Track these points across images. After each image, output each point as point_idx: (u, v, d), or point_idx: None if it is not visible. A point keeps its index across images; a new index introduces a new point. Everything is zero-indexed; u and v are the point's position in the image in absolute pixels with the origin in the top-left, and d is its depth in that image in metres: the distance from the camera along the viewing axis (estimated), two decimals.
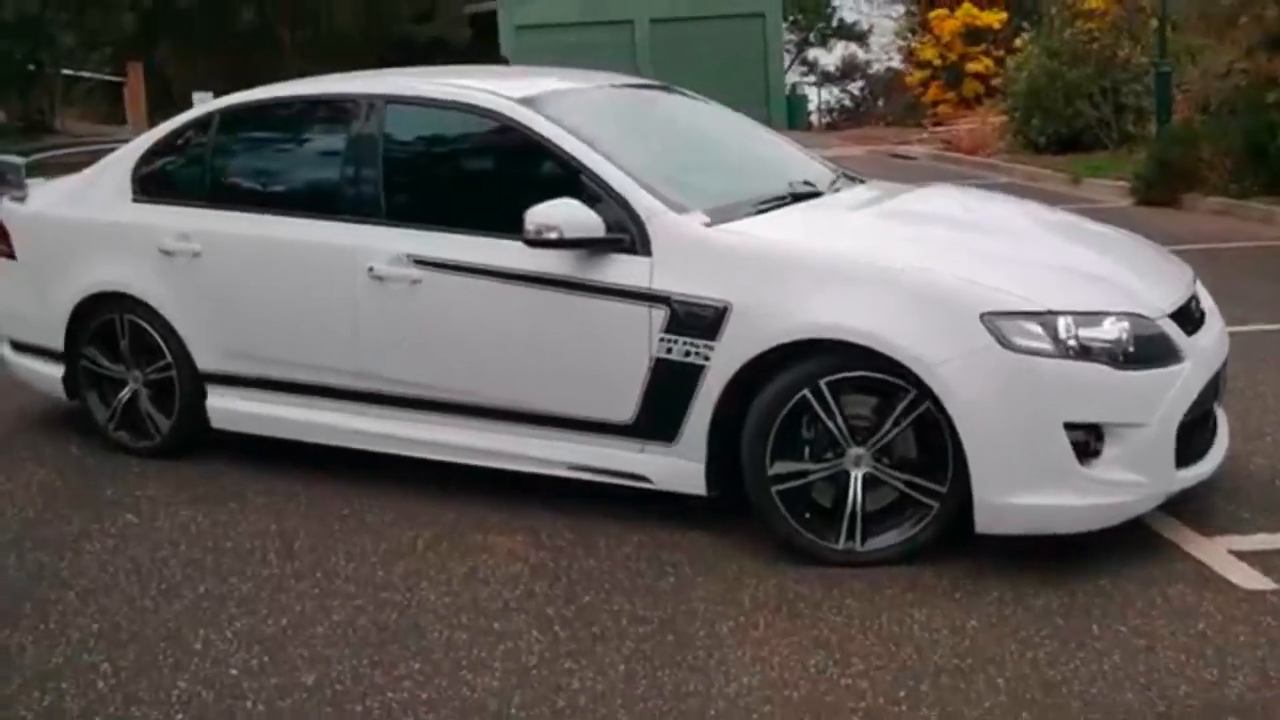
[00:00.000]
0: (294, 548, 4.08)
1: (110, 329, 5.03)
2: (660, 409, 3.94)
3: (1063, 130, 17.48)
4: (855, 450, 3.71)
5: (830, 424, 3.69)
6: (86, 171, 5.38)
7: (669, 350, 3.87)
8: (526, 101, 4.33)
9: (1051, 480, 3.51)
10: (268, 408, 4.74)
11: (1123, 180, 13.71)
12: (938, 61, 28.45)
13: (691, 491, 3.99)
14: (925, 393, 3.56)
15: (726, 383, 3.79)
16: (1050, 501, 3.52)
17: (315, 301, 4.52)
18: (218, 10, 26.39)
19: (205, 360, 4.83)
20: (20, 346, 5.43)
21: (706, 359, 3.81)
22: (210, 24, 26.93)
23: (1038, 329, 3.50)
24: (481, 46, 31.84)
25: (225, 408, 4.85)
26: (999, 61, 27.33)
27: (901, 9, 42.67)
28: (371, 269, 4.33)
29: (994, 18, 27.70)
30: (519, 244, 4.06)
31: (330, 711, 3.06)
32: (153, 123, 21.99)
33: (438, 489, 4.47)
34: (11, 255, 5.34)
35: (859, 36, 46.82)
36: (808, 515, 3.77)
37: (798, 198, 4.39)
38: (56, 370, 5.23)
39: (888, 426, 3.67)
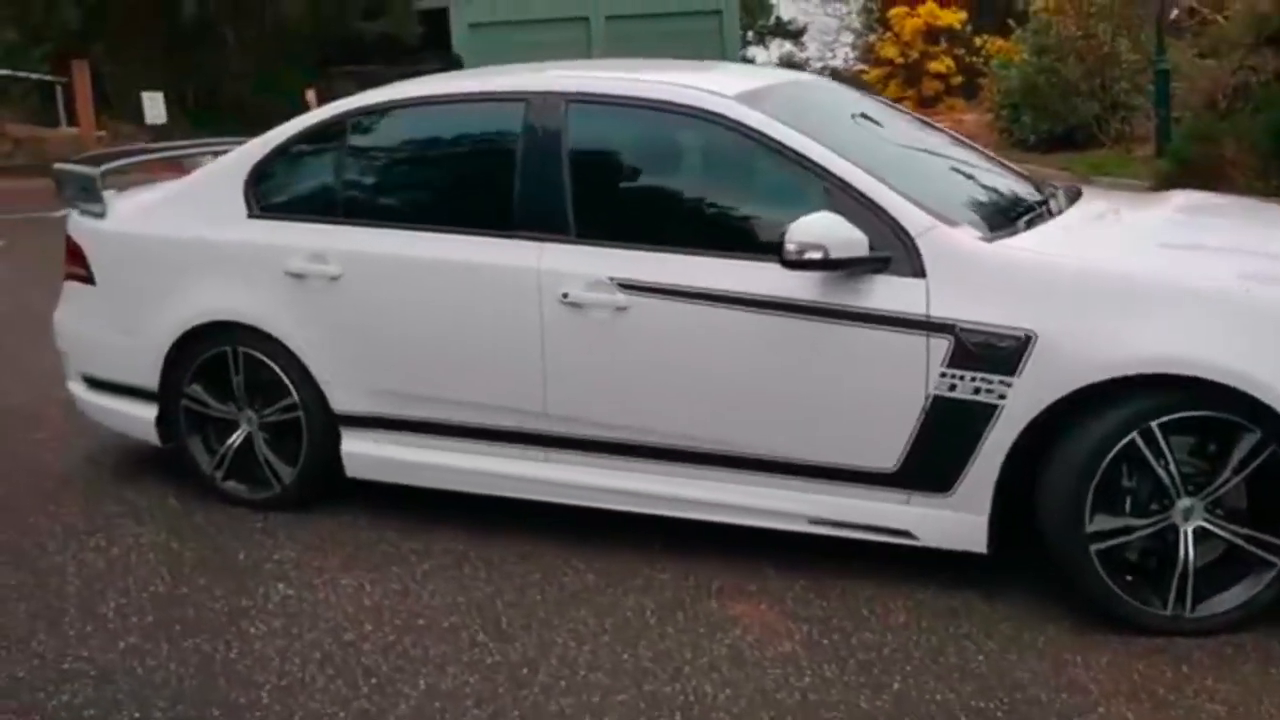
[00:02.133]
0: (502, 625, 3.47)
1: (220, 364, 4.35)
2: (935, 454, 3.41)
3: (1056, 128, 17.30)
4: (1185, 501, 3.21)
5: (1161, 471, 3.18)
6: (177, 183, 4.69)
7: (952, 387, 3.33)
8: (747, 100, 3.76)
9: None
10: (423, 454, 4.11)
11: (1133, 179, 13.48)
12: (899, 59, 28.31)
13: (967, 548, 3.46)
14: (1275, 434, 3.08)
15: (1026, 425, 3.27)
16: None
17: (489, 331, 3.90)
18: (159, 5, 25.21)
19: (342, 400, 4.18)
20: (98, 384, 4.71)
21: (1001, 397, 3.28)
22: (151, 20, 25.74)
23: None
24: (433, 44, 31.00)
25: (366, 454, 4.20)
26: (959, 61, 27.34)
27: (844, 8, 42.72)
28: (565, 295, 3.73)
29: (954, 18, 27.61)
30: (751, 264, 3.55)
31: None
32: (99, 124, 20.81)
33: (613, 543, 3.90)
34: (89, 279, 4.62)
35: (795, 35, 46.76)
36: (1129, 577, 3.26)
37: (1048, 209, 3.88)
38: (147, 411, 4.53)
39: (1227, 473, 3.17)
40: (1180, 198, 4.56)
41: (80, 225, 4.69)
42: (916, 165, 3.98)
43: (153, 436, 4.57)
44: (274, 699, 3.11)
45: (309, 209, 4.25)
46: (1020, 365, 3.25)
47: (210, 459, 4.46)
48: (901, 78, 28.61)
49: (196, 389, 4.42)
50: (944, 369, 3.33)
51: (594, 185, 3.88)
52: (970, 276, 3.36)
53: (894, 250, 3.40)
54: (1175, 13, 16.25)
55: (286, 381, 4.25)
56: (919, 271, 3.38)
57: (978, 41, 27.71)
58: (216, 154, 4.76)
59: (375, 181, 4.29)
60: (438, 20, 30.12)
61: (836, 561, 3.70)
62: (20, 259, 10.82)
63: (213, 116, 27.70)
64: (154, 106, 21.68)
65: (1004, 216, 3.70)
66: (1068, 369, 3.20)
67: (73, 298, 4.74)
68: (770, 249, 3.51)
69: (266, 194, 4.32)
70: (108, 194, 4.65)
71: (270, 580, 3.81)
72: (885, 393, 3.42)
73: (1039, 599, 3.45)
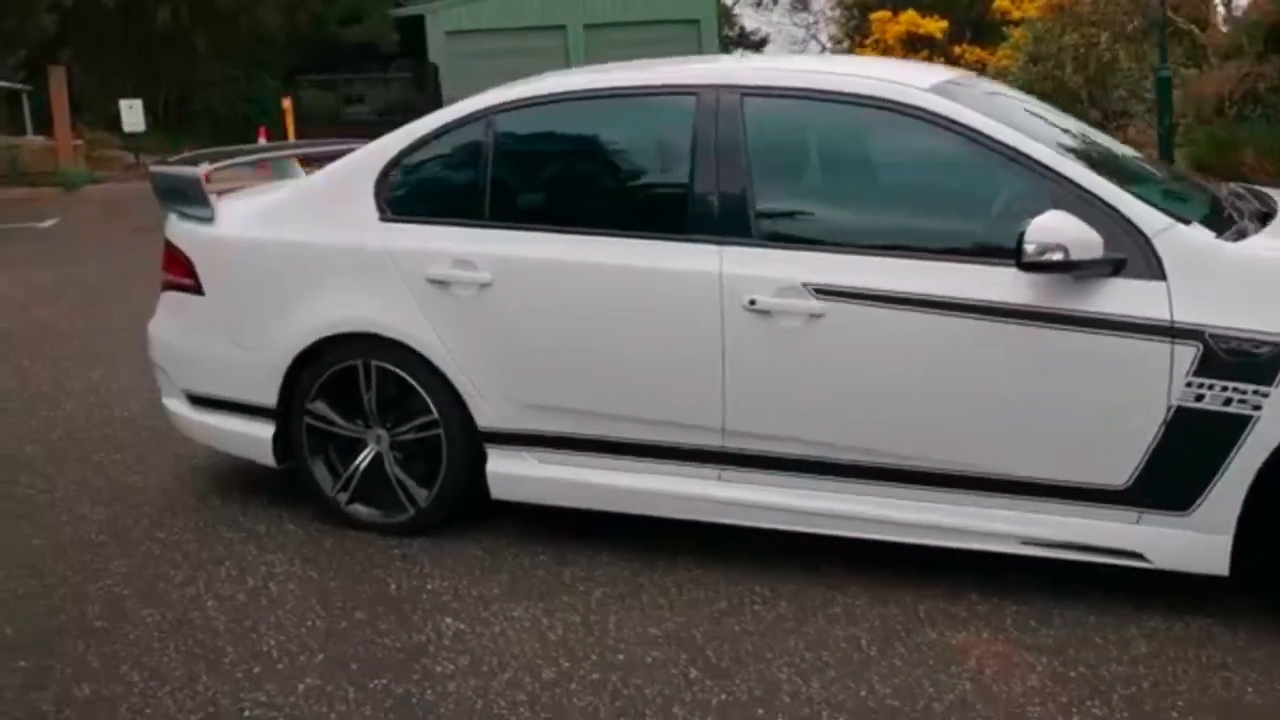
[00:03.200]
0: (711, 659, 3.20)
1: (348, 379, 4.05)
2: (1174, 470, 3.18)
3: None
4: None
5: None
6: (295, 184, 4.39)
7: (1199, 398, 3.11)
8: (941, 92, 3.53)
9: None
10: (585, 473, 3.83)
11: None
12: None
13: (1206, 571, 3.25)
14: None
15: None
16: None
17: (662, 341, 3.63)
18: (133, 11, 24.66)
19: (489, 416, 3.90)
20: (203, 401, 4.38)
21: (1257, 408, 3.06)
22: (123, 27, 25.18)
23: None
24: (408, 52, 30.63)
25: (516, 474, 3.92)
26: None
27: (810, 18, 42.83)
28: (753, 301, 3.47)
29: (936, 26, 27.64)
30: (960, 267, 3.31)
31: None
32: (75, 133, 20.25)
33: (789, 568, 3.68)
34: (196, 289, 4.30)
35: (757, 45, 46.81)
36: None
37: (1255, 212, 3.66)
38: (263, 429, 4.21)
39: None
40: None
41: (183, 231, 4.37)
42: (1113, 165, 3.75)
43: (267, 457, 4.25)
44: None
45: (451, 213, 3.95)
46: (1278, 374, 3.03)
47: (334, 481, 4.16)
48: None
49: (320, 405, 4.11)
50: (1191, 378, 3.11)
51: (774, 183, 3.62)
52: (1215, 279, 3.14)
53: (1128, 252, 3.18)
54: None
55: (426, 397, 3.95)
56: (1158, 274, 3.16)
57: (956, 50, 27.86)
58: (310, 157, 4.48)
59: (524, 182, 4.01)
60: (414, 27, 29.75)
61: (1043, 586, 3.48)
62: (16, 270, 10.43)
63: (187, 124, 27.21)
64: (132, 114, 21.15)
65: (1220, 217, 3.49)
66: None
67: (174, 309, 4.42)
68: (985, 251, 3.30)
69: (401, 196, 4.02)
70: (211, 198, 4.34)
71: (434, 613, 3.52)
72: (1123, 403, 3.19)
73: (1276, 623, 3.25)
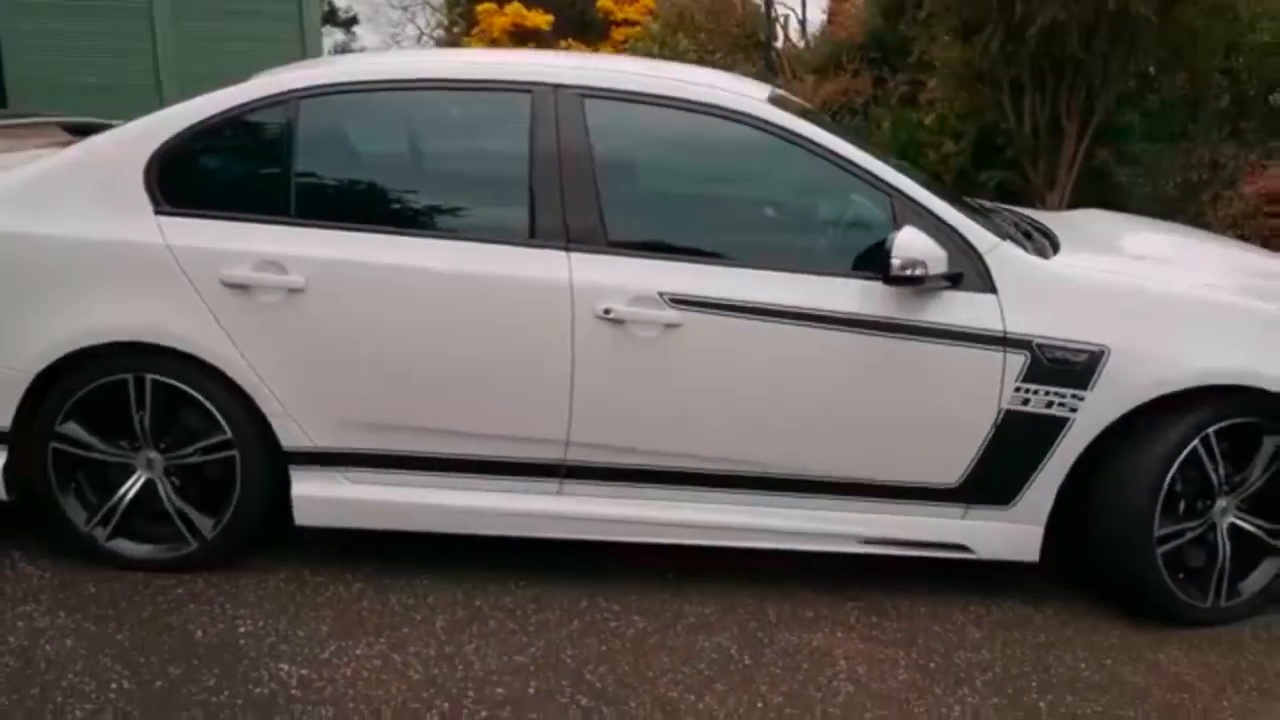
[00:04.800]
0: (592, 682, 3.08)
1: (113, 396, 3.50)
2: (1000, 469, 3.46)
3: None
4: (1222, 501, 3.50)
5: (1213, 475, 3.45)
6: (30, 168, 3.68)
7: (1025, 401, 3.40)
8: (777, 103, 3.60)
9: None
10: (409, 493, 3.55)
11: None
12: None
13: (1022, 558, 3.56)
14: None
15: (1095, 436, 3.41)
16: None
17: (503, 350, 3.43)
18: None
19: (295, 435, 3.51)
20: None
21: (1074, 410, 3.39)
22: None
23: None
24: None
25: (327, 496, 3.56)
26: None
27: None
28: (607, 310, 3.38)
29: (542, 20, 28.11)
30: (814, 279, 3.43)
31: None
32: None
33: (627, 581, 3.65)
34: None
35: (346, 24, 45.60)
36: (1181, 575, 3.50)
37: (1044, 231, 4.01)
38: None
39: (1258, 473, 3.49)
40: (1100, 215, 4.97)
41: None
42: (929, 184, 3.98)
43: None
44: None
45: (245, 208, 3.49)
46: (1092, 379, 3.37)
47: (87, 514, 3.58)
48: None
49: (72, 427, 3.52)
50: (1020, 383, 3.39)
51: (620, 190, 3.52)
52: (1039, 293, 3.43)
53: (964, 267, 3.40)
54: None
55: (218, 415, 3.49)
56: (990, 288, 3.41)
57: (563, 45, 28.56)
58: (65, 127, 3.84)
59: (344, 178, 3.61)
60: None
61: (869, 581, 3.67)
62: None
63: None
64: None
65: (1017, 236, 3.81)
66: (1135, 383, 3.36)
67: None
68: (836, 264, 3.43)
69: (180, 187, 3.50)
70: None
71: (265, 660, 3.12)
72: (958, 407, 3.42)
73: (1074, 604, 3.62)
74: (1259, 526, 3.54)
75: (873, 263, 3.37)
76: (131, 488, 3.57)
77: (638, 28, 27.25)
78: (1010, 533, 3.52)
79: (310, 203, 3.50)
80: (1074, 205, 8.06)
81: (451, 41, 32.61)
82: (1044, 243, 3.76)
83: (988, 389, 3.40)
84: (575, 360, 3.41)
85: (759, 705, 3.01)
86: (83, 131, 4.52)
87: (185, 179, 3.53)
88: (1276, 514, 3.55)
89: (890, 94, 13.74)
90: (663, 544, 3.59)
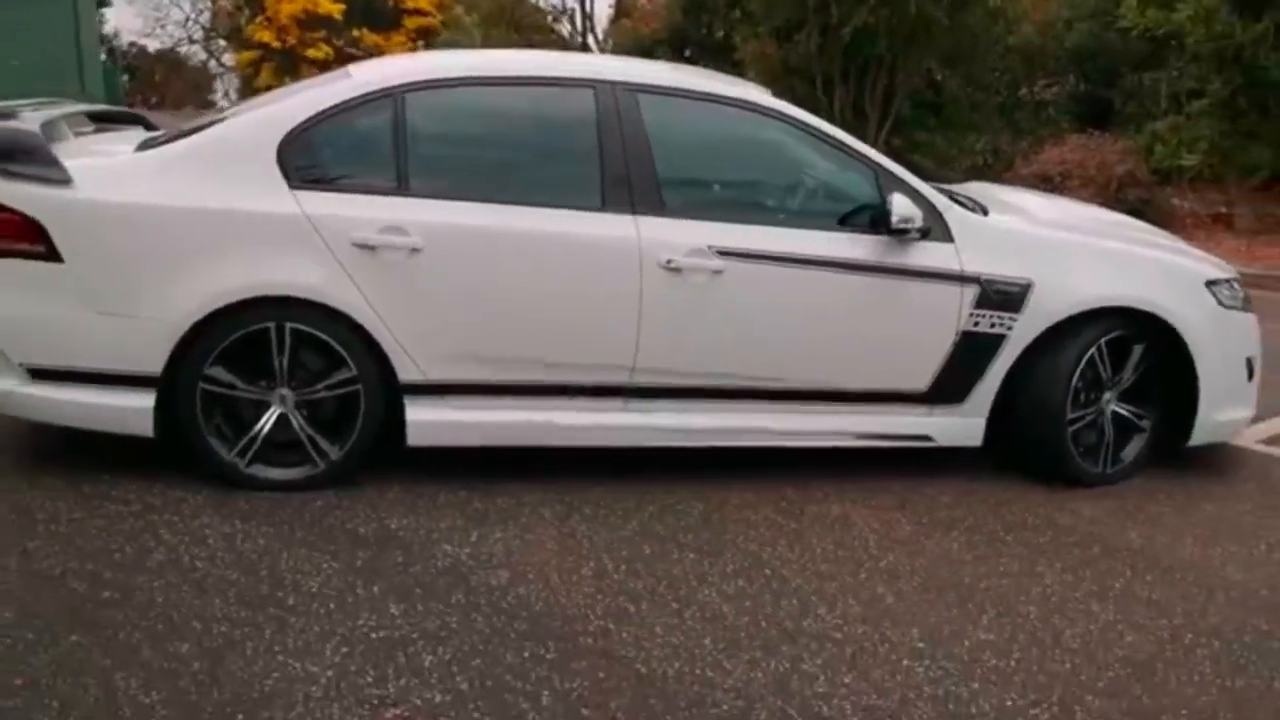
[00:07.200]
0: (702, 547, 4.01)
1: (254, 343, 4.16)
2: (957, 376, 4.60)
3: None
4: (1108, 394, 4.76)
5: (1103, 374, 4.70)
6: (169, 149, 4.27)
7: (976, 324, 4.55)
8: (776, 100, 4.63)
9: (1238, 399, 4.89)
10: (501, 414, 4.37)
11: None
12: (276, 44, 28.19)
13: (969, 444, 4.71)
14: (1162, 344, 4.71)
15: (1023, 348, 4.59)
16: (1233, 416, 4.91)
17: (585, 294, 4.31)
18: None
19: (410, 370, 4.27)
20: (54, 375, 4.14)
21: (1009, 328, 4.56)
22: None
23: (1229, 291, 4.85)
24: None
25: (435, 420, 4.33)
26: (340, 51, 28.03)
27: None
28: (669, 261, 4.31)
29: (334, 7, 28.13)
30: (822, 234, 4.46)
31: None
32: None
33: (660, 478, 4.58)
34: (50, 255, 4.06)
35: (101, 4, 43.61)
36: (1081, 450, 4.74)
37: (954, 196, 5.18)
38: (139, 399, 4.14)
39: (1129, 372, 4.77)
40: (991, 187, 6.22)
41: (26, 193, 4.06)
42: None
43: (142, 428, 4.18)
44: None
45: (366, 183, 4.23)
46: (1023, 305, 4.55)
47: (228, 447, 4.23)
48: (276, 63, 28.53)
49: (219, 370, 4.16)
50: (972, 310, 4.53)
51: (674, 167, 4.44)
52: (982, 242, 4.58)
53: (931, 223, 4.51)
54: None
55: (345, 355, 4.21)
56: (949, 238, 4.53)
57: (356, 33, 28.67)
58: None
59: (444, 158, 4.39)
60: None
61: (851, 467, 4.71)
62: None
63: None
64: None
65: (958, 199, 4.94)
66: (1051, 307, 4.56)
67: (12, 281, 4.10)
68: (838, 220, 4.49)
69: (308, 166, 4.19)
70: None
71: (428, 545, 3.88)
72: (928, 330, 4.53)
73: (1006, 476, 4.79)
74: (1131, 412, 4.82)
75: (864, 221, 4.45)
76: (268, 421, 4.24)
77: (429, 18, 27.64)
78: (962, 425, 4.67)
79: (421, 178, 4.26)
80: None
81: (231, 26, 32.06)
82: (975, 206, 4.92)
83: (950, 314, 4.53)
84: (643, 301, 4.32)
85: (817, 552, 4.01)
86: (103, 119, 5.09)
87: (313, 159, 4.23)
88: (1141, 402, 4.84)
89: None
90: (699, 451, 4.53)
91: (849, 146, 4.55)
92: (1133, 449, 4.86)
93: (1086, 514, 4.49)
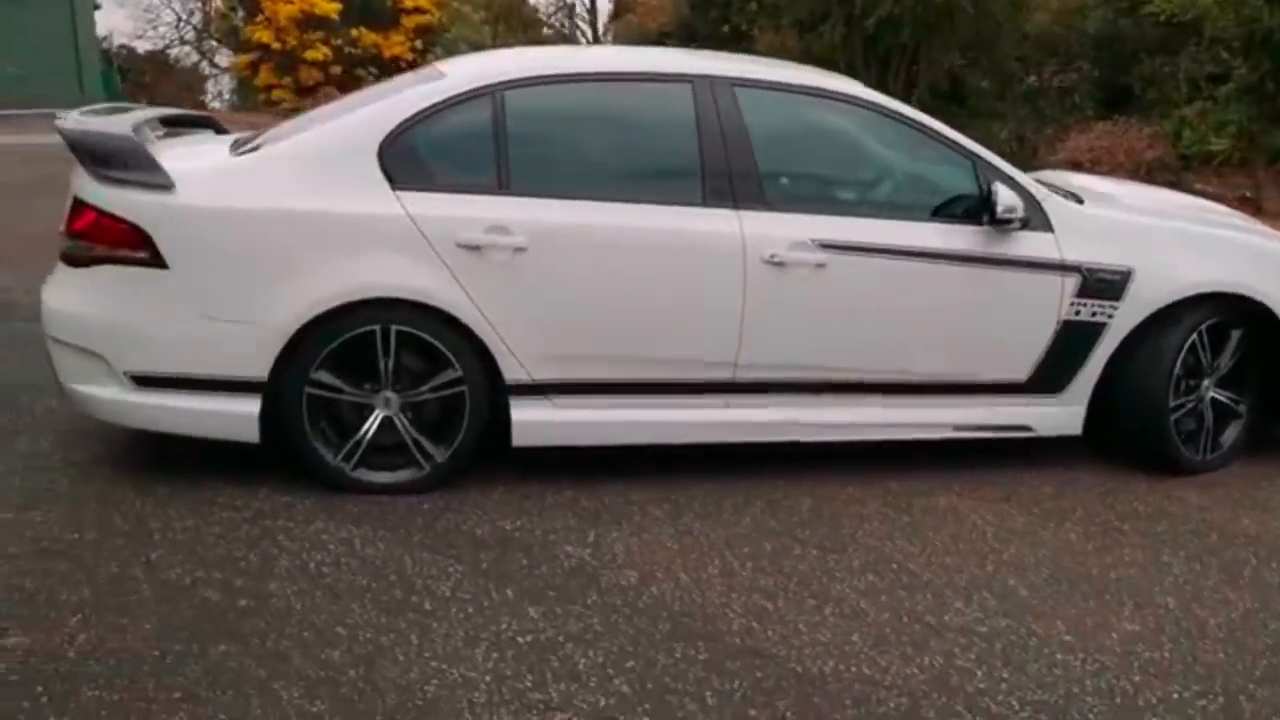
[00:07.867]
0: (823, 541, 3.98)
1: (360, 346, 4.11)
2: (1057, 365, 4.57)
3: None
4: (1207, 380, 4.74)
5: (1204, 360, 4.67)
6: (267, 151, 4.22)
7: (1077, 313, 4.52)
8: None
9: None
10: (605, 413, 4.32)
11: None
12: (276, 45, 28.00)
13: (1069, 433, 4.68)
14: (1261, 328, 4.68)
15: (1124, 336, 4.56)
16: None
17: (688, 290, 4.26)
18: None
19: (515, 370, 4.22)
20: (157, 382, 4.09)
21: (1110, 316, 4.54)
22: None
23: None
24: None
25: (540, 420, 4.29)
26: (339, 51, 27.87)
27: None
28: (773, 255, 4.27)
29: (331, 7, 27.90)
30: (922, 225, 4.43)
31: None
32: None
33: (769, 474, 4.54)
34: (155, 262, 4.00)
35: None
36: (1182, 437, 4.71)
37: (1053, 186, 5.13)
38: (245, 405, 4.09)
39: (1227, 358, 4.74)
40: (1077, 175, 6.17)
41: (132, 200, 4.00)
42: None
43: (248, 434, 4.12)
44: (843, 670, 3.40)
45: (466, 183, 4.18)
46: (1124, 293, 4.52)
47: (334, 451, 4.18)
48: (275, 64, 28.32)
49: (324, 374, 4.11)
50: (1074, 299, 4.50)
51: (775, 160, 4.40)
52: (1082, 232, 4.55)
53: (1031, 213, 4.48)
54: None
55: (451, 357, 4.16)
56: (1049, 228, 4.50)
57: (354, 33, 28.48)
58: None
59: (544, 156, 4.29)
60: None
61: (942, 462, 4.68)
62: None
63: None
64: None
65: (1056, 190, 4.89)
66: (1152, 294, 4.53)
67: (115, 288, 4.04)
68: (938, 212, 4.46)
69: (410, 167, 4.13)
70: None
71: (548, 546, 3.84)
72: (1031, 319, 4.50)
73: (1109, 464, 4.76)
74: (1229, 398, 4.80)
75: (962, 211, 4.42)
76: (373, 424, 4.19)
77: (428, 16, 27.54)
78: (1062, 414, 4.64)
79: (523, 177, 4.21)
80: None
81: (227, 27, 31.85)
82: (1071, 195, 4.89)
83: (1051, 304, 4.50)
84: (746, 297, 4.28)
85: (936, 545, 3.99)
86: (176, 124, 5.03)
87: (414, 160, 4.17)
88: (1239, 389, 4.82)
89: None
90: (795, 446, 4.49)
91: (946, 137, 4.51)
92: (1230, 434, 4.84)
93: (1194, 502, 4.47)
